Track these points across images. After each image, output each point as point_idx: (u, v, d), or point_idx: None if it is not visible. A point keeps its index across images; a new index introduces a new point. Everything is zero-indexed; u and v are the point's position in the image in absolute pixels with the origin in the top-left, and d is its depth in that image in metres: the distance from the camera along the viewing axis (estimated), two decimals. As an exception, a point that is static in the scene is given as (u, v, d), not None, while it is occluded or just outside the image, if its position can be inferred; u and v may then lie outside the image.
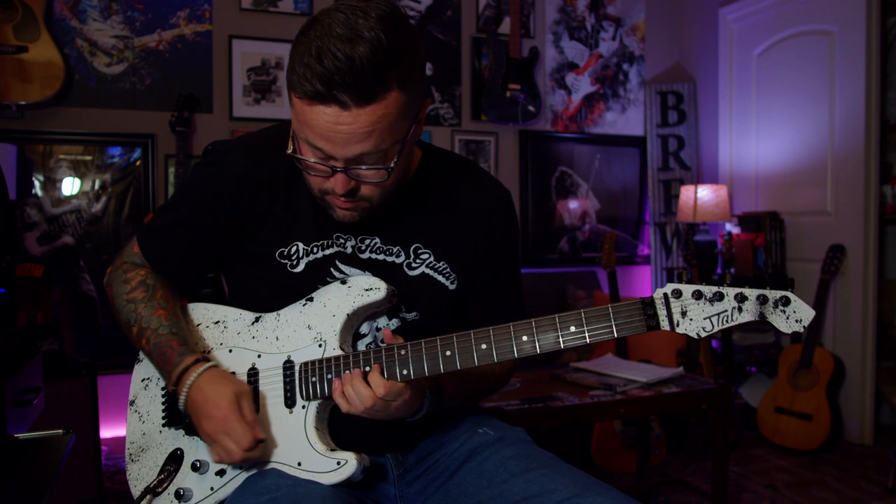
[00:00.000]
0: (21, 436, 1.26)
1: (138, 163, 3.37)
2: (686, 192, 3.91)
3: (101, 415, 2.48)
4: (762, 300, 0.92)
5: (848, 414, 3.47)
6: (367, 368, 1.05)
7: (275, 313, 1.16)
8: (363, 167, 1.00)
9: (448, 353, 1.03)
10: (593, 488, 1.05)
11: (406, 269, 1.17)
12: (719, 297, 0.93)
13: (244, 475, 1.11)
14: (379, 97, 0.94)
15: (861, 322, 3.43)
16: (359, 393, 1.03)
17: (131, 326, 1.18)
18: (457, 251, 1.20)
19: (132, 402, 1.24)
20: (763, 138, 4.02)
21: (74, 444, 1.25)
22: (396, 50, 0.94)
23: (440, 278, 1.19)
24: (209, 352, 1.19)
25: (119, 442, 3.13)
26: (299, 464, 1.07)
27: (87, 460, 2.38)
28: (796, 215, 3.80)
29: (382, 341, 1.14)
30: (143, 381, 1.24)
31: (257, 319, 1.17)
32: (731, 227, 4.06)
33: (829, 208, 3.62)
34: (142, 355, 1.25)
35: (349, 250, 1.16)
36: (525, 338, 1.00)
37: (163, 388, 1.21)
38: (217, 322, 1.20)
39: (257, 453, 1.07)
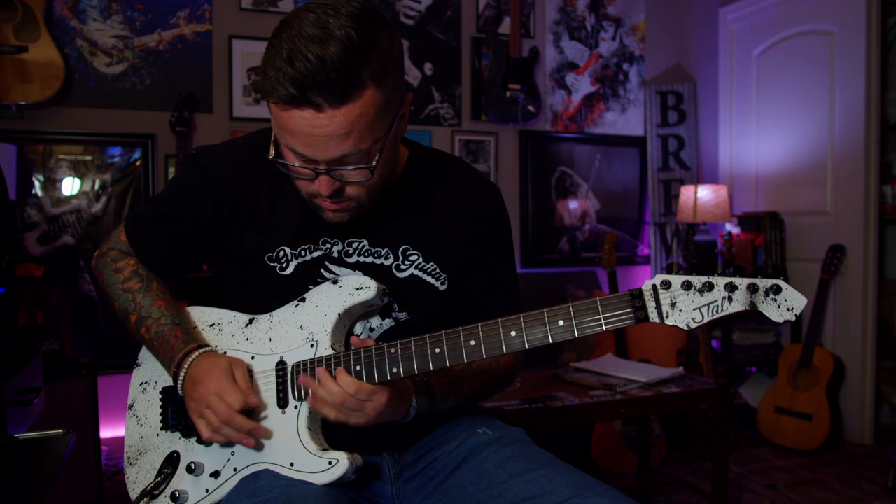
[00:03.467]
0: (21, 436, 1.27)
1: (138, 163, 3.37)
2: (686, 192, 3.91)
3: (101, 415, 2.48)
4: (752, 289, 0.90)
5: (848, 414, 3.47)
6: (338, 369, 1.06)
7: (268, 315, 1.16)
8: (347, 168, 1.00)
9: (437, 350, 1.02)
10: (593, 489, 1.04)
11: (395, 272, 1.17)
12: (709, 287, 0.92)
13: (238, 477, 1.11)
14: (354, 97, 0.93)
15: (861, 322, 3.43)
16: (329, 391, 1.02)
17: (129, 314, 1.20)
18: (446, 251, 1.19)
19: (131, 407, 1.25)
20: (763, 138, 4.02)
21: (74, 444, 1.26)
22: (369, 47, 0.93)
23: (430, 279, 1.19)
24: None
25: (119, 442, 3.13)
26: (292, 464, 1.07)
27: (87, 460, 2.38)
28: (796, 215, 3.80)
29: (378, 340, 1.14)
30: (141, 385, 1.25)
31: (251, 321, 1.18)
32: (731, 227, 4.06)
33: (829, 208, 3.62)
34: (140, 359, 1.26)
35: (335, 254, 1.16)
36: (514, 333, 0.99)
37: (160, 392, 1.22)
38: (212, 325, 1.21)
39: (238, 421, 1.06)
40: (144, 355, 1.26)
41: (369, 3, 0.96)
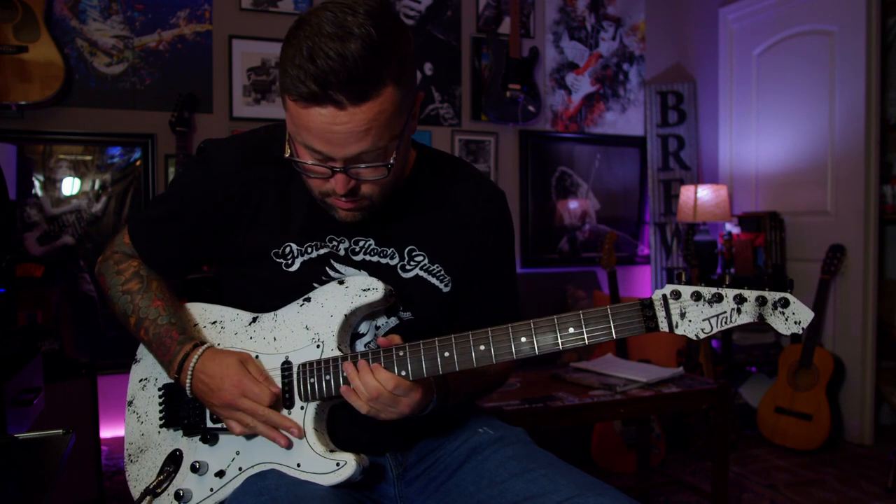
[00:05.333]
0: (21, 436, 1.27)
1: (138, 163, 3.37)
2: (686, 192, 3.91)
3: (101, 415, 2.48)
4: (761, 302, 0.91)
5: (848, 414, 3.47)
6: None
7: (272, 314, 1.16)
8: (362, 166, 1.00)
9: (446, 354, 1.02)
10: (593, 488, 1.04)
11: (400, 272, 1.17)
12: (718, 298, 0.93)
13: (243, 476, 1.11)
14: (374, 94, 0.93)
15: (861, 322, 3.43)
16: (366, 383, 1.02)
17: (129, 317, 1.19)
18: (451, 253, 1.19)
19: (130, 403, 1.24)
20: (763, 138, 4.02)
21: (74, 444, 1.26)
22: (388, 45, 0.93)
23: (434, 280, 1.18)
24: None
25: (119, 442, 3.13)
26: (298, 465, 1.07)
27: (87, 460, 2.38)
28: (796, 215, 3.80)
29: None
30: (140, 381, 1.24)
31: (255, 320, 1.17)
32: (731, 227, 4.06)
33: (829, 208, 3.62)
34: (139, 355, 1.26)
35: (342, 252, 1.15)
36: (524, 339, 1.00)
37: (160, 389, 1.21)
38: (214, 322, 1.20)
39: (275, 417, 1.07)
40: (143, 351, 1.25)
41: (385, 2, 0.96)
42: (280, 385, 1.11)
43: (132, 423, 1.23)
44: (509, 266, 1.29)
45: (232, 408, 1.07)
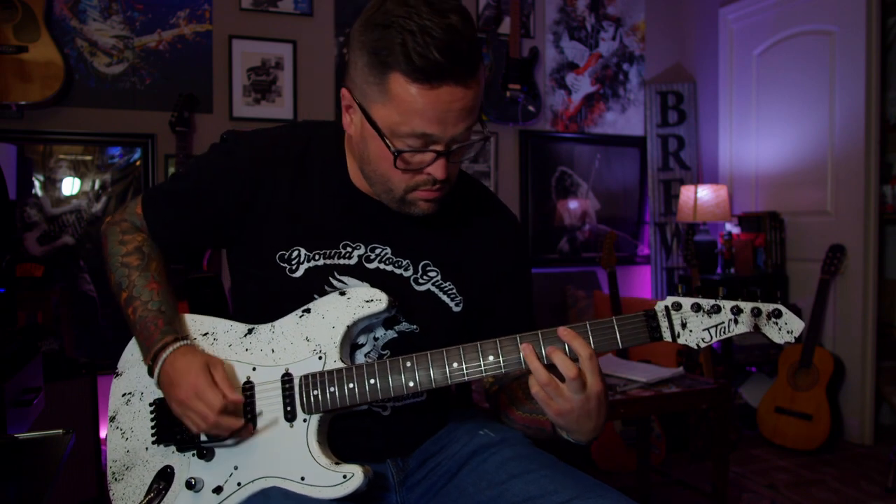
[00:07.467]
0: (21, 436, 1.26)
1: (138, 163, 3.36)
2: (686, 192, 3.91)
3: (101, 415, 2.48)
4: (756, 313, 0.98)
5: (848, 414, 3.47)
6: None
7: (269, 325, 1.13)
8: (461, 144, 1.02)
9: (455, 364, 1.02)
10: (594, 490, 1.04)
11: (413, 284, 1.16)
12: (716, 309, 0.99)
13: (243, 493, 1.08)
14: (478, 68, 0.97)
15: (861, 322, 3.43)
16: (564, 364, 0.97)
17: (121, 290, 1.17)
18: (466, 274, 1.19)
19: (113, 419, 1.19)
20: (763, 138, 4.02)
21: (74, 444, 1.25)
22: (472, 19, 0.97)
23: (445, 298, 1.18)
24: None
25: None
26: (303, 478, 1.05)
27: (87, 460, 2.38)
28: (796, 215, 3.80)
29: (383, 349, 1.13)
30: (123, 395, 1.19)
31: (250, 331, 1.14)
32: (731, 227, 4.06)
33: (829, 208, 3.62)
34: (120, 369, 1.22)
35: (355, 259, 1.14)
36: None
37: (151, 404, 1.16)
38: (206, 334, 1.16)
39: (232, 422, 1.05)
40: (125, 364, 1.21)
41: None
42: (280, 400, 1.09)
43: (115, 440, 1.17)
44: (527, 294, 1.28)
45: (185, 406, 1.06)
